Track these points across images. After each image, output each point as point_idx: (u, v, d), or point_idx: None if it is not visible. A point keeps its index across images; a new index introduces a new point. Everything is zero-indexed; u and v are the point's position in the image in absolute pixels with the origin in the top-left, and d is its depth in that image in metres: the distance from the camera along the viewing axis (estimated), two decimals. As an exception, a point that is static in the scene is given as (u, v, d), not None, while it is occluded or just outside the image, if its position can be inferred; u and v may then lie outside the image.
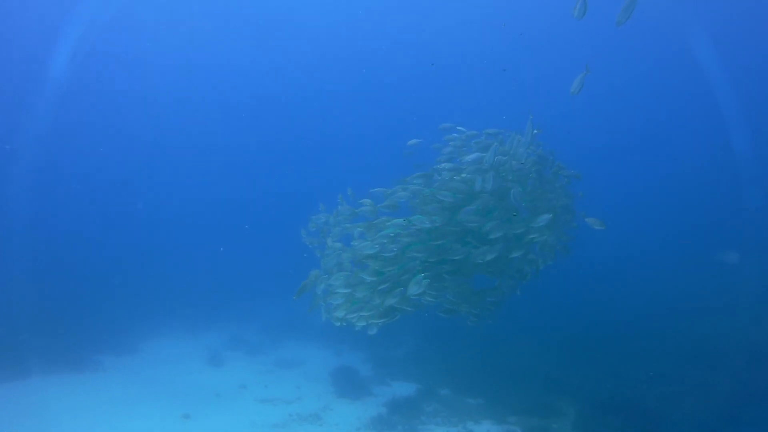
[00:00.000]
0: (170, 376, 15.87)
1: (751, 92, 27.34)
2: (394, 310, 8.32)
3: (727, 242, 20.62)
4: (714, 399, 10.97)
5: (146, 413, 12.65)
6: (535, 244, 8.91)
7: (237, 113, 43.27)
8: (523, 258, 9.23)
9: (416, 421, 12.53)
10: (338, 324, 8.61)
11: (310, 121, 43.54)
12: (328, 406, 13.62)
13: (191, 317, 21.61)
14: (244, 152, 43.71)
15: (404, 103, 38.30)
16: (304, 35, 37.59)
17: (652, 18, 27.71)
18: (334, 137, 43.47)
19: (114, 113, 39.46)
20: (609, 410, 11.28)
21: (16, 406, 12.38)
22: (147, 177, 40.73)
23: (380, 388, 15.11)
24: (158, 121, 42.18)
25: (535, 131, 9.77)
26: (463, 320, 9.05)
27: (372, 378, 15.80)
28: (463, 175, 8.55)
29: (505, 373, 13.99)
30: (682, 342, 13.82)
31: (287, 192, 38.11)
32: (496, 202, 8.47)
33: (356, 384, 15.01)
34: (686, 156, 31.51)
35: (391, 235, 8.07)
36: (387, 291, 8.03)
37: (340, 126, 43.15)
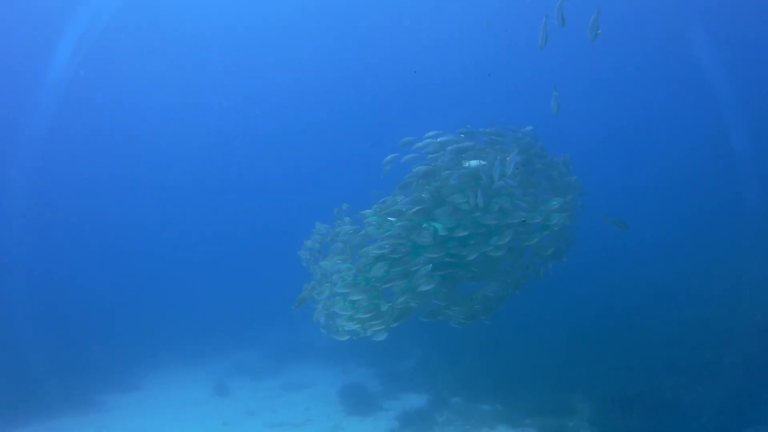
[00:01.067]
0: (176, 410, 15.54)
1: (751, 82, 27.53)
2: (406, 310, 8.24)
3: (729, 227, 20.58)
4: (729, 382, 10.81)
5: (153, 450, 12.38)
6: (546, 235, 8.82)
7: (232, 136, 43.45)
8: (518, 258, 9.17)
9: (430, 433, 12.30)
10: (344, 338, 8.47)
11: (303, 141, 43.62)
12: (338, 426, 13.35)
13: (193, 347, 21.33)
14: (240, 174, 43.72)
15: (384, 115, 38.17)
16: (297, 40, 37.54)
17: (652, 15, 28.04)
18: (325, 155, 43.43)
19: (107, 146, 39.53)
20: (624, 403, 11.08)
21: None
22: (144, 206, 40.72)
23: (390, 402, 14.85)
24: (153, 148, 42.26)
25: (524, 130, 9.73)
26: (469, 326, 8.93)
27: (381, 393, 15.53)
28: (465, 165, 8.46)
29: (515, 375, 13.78)
30: (690, 328, 13.66)
31: (282, 215, 37.99)
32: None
33: (365, 401, 14.74)
34: (689, 145, 31.56)
35: (402, 234, 8.00)
36: (397, 291, 7.97)
37: (330, 144, 43.17)
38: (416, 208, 8.29)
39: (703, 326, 13.64)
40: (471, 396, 14.02)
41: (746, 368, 11.17)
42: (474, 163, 8.47)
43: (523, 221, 8.22)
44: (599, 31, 7.71)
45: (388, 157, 9.67)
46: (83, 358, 18.62)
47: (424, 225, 8.07)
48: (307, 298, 8.91)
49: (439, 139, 9.23)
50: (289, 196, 42.31)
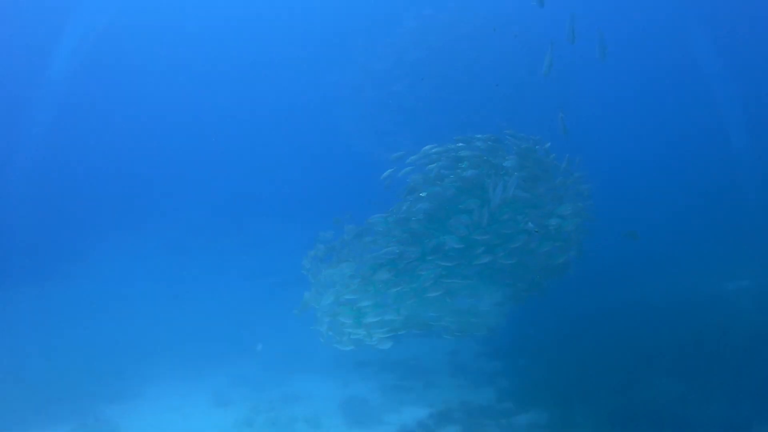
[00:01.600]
0: (176, 422, 15.40)
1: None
2: (410, 319, 8.18)
3: (735, 231, 20.41)
4: (744, 397, 10.57)
5: (151, 462, 12.23)
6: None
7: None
8: (522, 271, 9.08)
9: (432, 447, 12.11)
10: (347, 348, 8.41)
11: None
12: (339, 439, 13.20)
13: (192, 358, 21.13)
14: (241, 180, 43.62)
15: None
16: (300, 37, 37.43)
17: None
18: (329, 163, 43.27)
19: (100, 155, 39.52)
20: (630, 420, 10.89)
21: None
22: (142, 213, 40.65)
23: (392, 415, 14.65)
24: (155, 152, 42.23)
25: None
26: (469, 339, 8.87)
27: (383, 406, 15.33)
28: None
29: (517, 388, 13.63)
30: (699, 339, 13.48)
31: (283, 224, 37.81)
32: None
33: (367, 414, 14.58)
34: (691, 148, 31.27)
35: (409, 240, 7.98)
36: (404, 296, 7.93)
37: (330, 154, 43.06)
38: (421, 215, 8.22)
39: (711, 334, 13.44)
40: (472, 410, 13.82)
41: (756, 378, 10.98)
42: (470, 172, 8.44)
43: (536, 231, 8.16)
44: (606, 50, 7.83)
45: (386, 173, 9.76)
46: (81, 367, 18.49)
47: (435, 236, 8.02)
48: (309, 305, 8.87)
49: (434, 151, 9.27)
50: (288, 204, 42.20)
